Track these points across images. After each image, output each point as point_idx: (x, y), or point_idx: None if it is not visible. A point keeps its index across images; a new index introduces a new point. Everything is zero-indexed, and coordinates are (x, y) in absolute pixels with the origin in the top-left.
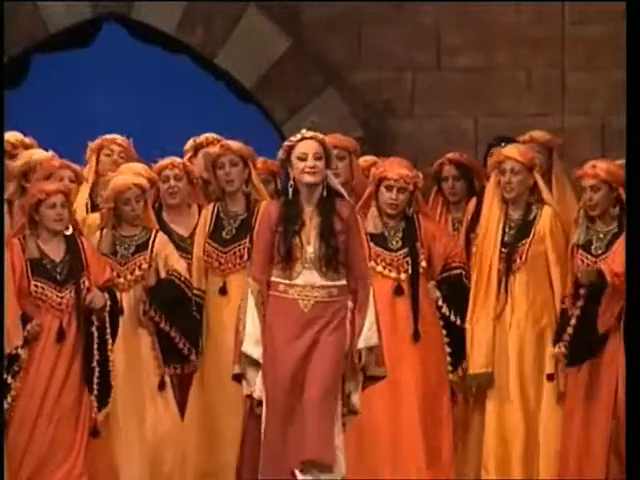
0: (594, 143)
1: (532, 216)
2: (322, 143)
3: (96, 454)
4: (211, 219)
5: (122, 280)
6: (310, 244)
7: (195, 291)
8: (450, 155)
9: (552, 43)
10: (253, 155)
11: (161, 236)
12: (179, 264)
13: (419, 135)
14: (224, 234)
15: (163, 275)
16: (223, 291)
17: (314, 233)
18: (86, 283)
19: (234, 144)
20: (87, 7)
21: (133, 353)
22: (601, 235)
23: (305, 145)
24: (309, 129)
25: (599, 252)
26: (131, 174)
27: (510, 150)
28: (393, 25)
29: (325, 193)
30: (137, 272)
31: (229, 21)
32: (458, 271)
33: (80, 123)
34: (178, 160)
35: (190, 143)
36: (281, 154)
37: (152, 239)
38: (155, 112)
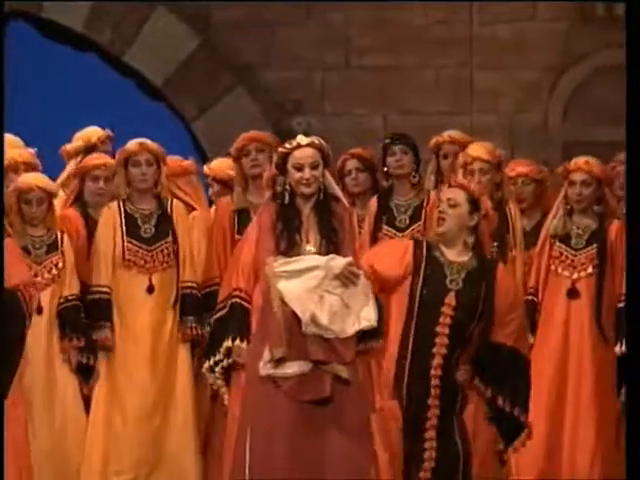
0: (502, 141)
1: (503, 212)
2: (319, 148)
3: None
4: (121, 218)
5: (40, 279)
6: (310, 242)
7: (103, 288)
8: (352, 150)
9: (460, 43)
10: (165, 156)
11: (66, 239)
12: (73, 283)
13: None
14: (142, 233)
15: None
16: (151, 289)
17: (313, 232)
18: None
19: (152, 144)
20: None
21: (50, 353)
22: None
23: (301, 154)
24: (305, 133)
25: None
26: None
27: (477, 150)
28: (303, 25)
29: (322, 196)
30: (54, 271)
31: (138, 20)
32: None
33: None
34: (111, 162)
35: (79, 144)
36: (276, 159)
37: (60, 240)
38: (64, 109)
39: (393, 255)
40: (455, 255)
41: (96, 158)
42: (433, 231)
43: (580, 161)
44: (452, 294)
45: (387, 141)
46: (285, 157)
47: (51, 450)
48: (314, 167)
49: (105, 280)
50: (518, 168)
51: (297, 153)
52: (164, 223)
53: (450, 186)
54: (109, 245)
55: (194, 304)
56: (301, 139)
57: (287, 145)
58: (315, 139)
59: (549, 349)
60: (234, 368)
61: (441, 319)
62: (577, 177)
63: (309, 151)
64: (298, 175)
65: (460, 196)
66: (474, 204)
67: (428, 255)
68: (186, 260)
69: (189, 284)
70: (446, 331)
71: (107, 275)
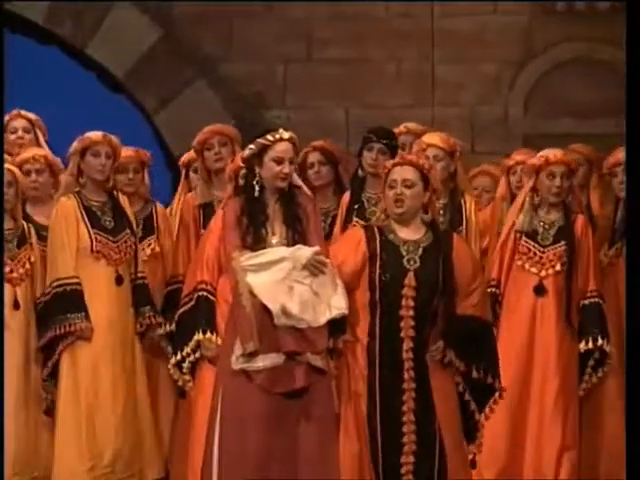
0: (463, 134)
1: (457, 203)
2: (295, 144)
3: None
4: (81, 210)
5: (15, 274)
6: (275, 234)
7: (74, 279)
8: (314, 143)
9: (422, 36)
10: (121, 153)
11: (32, 230)
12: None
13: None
14: (103, 224)
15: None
16: (120, 280)
17: (278, 223)
18: None
19: (114, 138)
20: None
21: (27, 348)
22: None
23: (282, 148)
24: (285, 127)
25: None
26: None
27: (431, 137)
28: (264, 18)
29: (287, 189)
30: (27, 265)
31: (99, 12)
32: None
33: None
34: (40, 153)
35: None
36: (254, 149)
37: (27, 233)
38: (25, 102)
39: (347, 249)
40: (409, 233)
41: (25, 151)
42: (390, 212)
43: (559, 153)
44: (411, 274)
45: (369, 135)
46: (264, 149)
47: (25, 443)
48: (291, 162)
49: (73, 271)
50: (517, 157)
51: (278, 147)
52: (119, 215)
53: (399, 164)
54: (72, 237)
55: (146, 294)
56: (282, 133)
57: (269, 137)
58: (294, 135)
59: (514, 345)
60: (199, 363)
61: (403, 302)
62: (557, 169)
63: (289, 146)
64: (277, 168)
65: (415, 175)
66: (426, 181)
67: (381, 239)
68: (138, 252)
69: (139, 274)
70: (410, 313)
71: (73, 267)
